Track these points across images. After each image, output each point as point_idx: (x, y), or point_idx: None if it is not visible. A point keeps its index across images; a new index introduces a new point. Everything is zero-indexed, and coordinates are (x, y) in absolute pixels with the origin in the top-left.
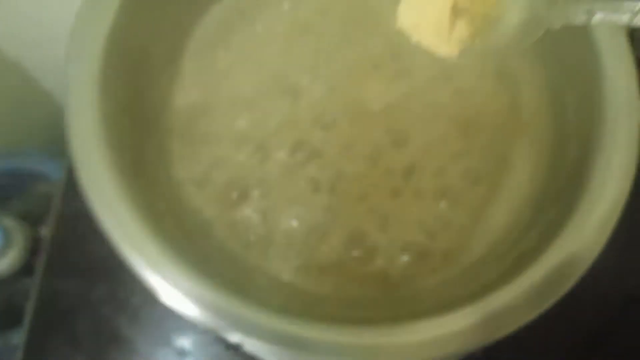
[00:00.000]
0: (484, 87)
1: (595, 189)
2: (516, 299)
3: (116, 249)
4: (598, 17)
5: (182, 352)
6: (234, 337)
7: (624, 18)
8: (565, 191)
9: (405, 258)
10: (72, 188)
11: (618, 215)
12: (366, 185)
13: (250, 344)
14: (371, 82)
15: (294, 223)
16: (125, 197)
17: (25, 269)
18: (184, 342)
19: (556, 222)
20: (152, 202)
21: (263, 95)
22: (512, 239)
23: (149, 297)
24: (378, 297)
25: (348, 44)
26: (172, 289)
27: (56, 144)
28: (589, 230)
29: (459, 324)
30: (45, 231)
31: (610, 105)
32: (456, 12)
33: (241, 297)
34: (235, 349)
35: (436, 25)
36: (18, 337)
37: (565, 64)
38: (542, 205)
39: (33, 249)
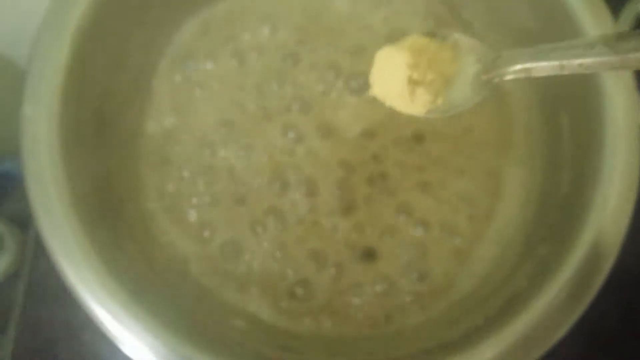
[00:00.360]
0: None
1: (589, 227)
2: (502, 353)
3: (80, 304)
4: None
5: None
6: None
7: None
8: (557, 226)
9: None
10: None
11: (614, 259)
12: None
13: None
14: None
15: (273, 261)
16: (88, 248)
17: (17, 273)
18: None
19: (547, 262)
20: (120, 245)
21: (242, 118)
22: (501, 276)
23: None
24: (357, 336)
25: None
26: (138, 345)
27: None
28: (582, 275)
29: None
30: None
31: (609, 128)
32: (413, 82)
33: (214, 352)
34: None
35: (400, 94)
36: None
37: (559, 82)
38: (533, 240)
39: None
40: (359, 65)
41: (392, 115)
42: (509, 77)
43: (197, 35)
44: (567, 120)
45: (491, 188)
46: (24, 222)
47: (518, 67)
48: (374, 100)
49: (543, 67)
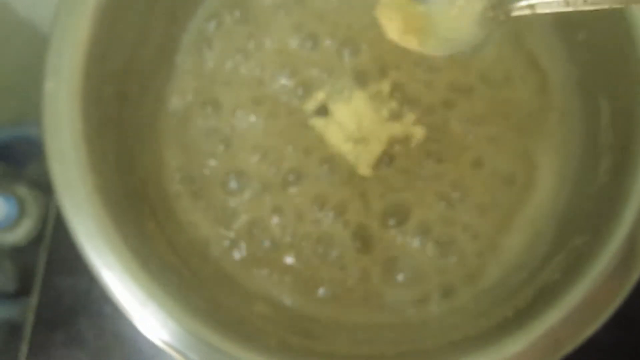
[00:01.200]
0: (511, 82)
1: (627, 218)
2: (532, 347)
3: (100, 283)
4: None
5: None
6: None
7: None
8: (593, 217)
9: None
10: None
11: None
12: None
13: None
14: None
15: (297, 245)
16: (110, 229)
17: (40, 237)
18: None
19: (582, 253)
20: (141, 226)
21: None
22: (531, 266)
23: None
24: (383, 324)
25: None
26: (158, 328)
27: None
28: (619, 269)
29: None
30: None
31: None
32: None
33: (235, 337)
34: None
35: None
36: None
37: (600, 64)
38: (566, 230)
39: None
40: None
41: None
42: (515, 14)
43: (222, 8)
44: (607, 105)
45: (523, 174)
46: (46, 187)
47: (523, 2)
48: None
49: (547, 2)
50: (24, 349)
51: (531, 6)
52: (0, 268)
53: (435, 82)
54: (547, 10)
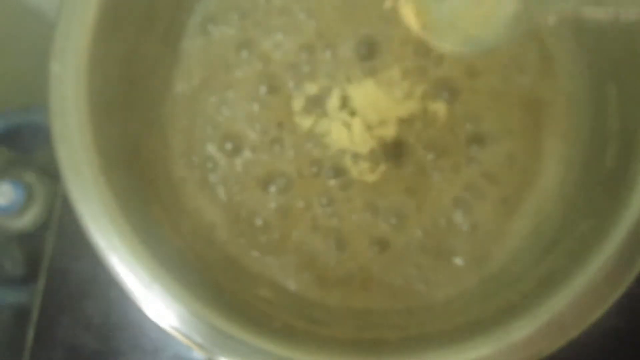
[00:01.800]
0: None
1: (634, 204)
2: (538, 332)
3: (106, 266)
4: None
5: None
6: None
7: (609, 11)
8: (599, 202)
9: (423, 261)
10: None
11: None
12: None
13: None
14: None
15: (304, 230)
16: (116, 212)
17: (48, 224)
18: None
19: (588, 238)
20: (147, 210)
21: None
22: (538, 251)
23: None
24: (388, 308)
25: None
26: (163, 311)
27: None
28: (626, 254)
29: (472, 355)
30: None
31: None
32: None
33: (240, 320)
34: None
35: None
36: None
37: (609, 49)
38: (573, 215)
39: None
40: None
41: None
42: (553, 18)
43: None
44: (615, 90)
45: (529, 159)
46: (54, 173)
47: (568, 6)
48: None
49: (595, 11)
50: (30, 332)
51: (577, 12)
52: (8, 254)
53: (441, 65)
54: (593, 17)
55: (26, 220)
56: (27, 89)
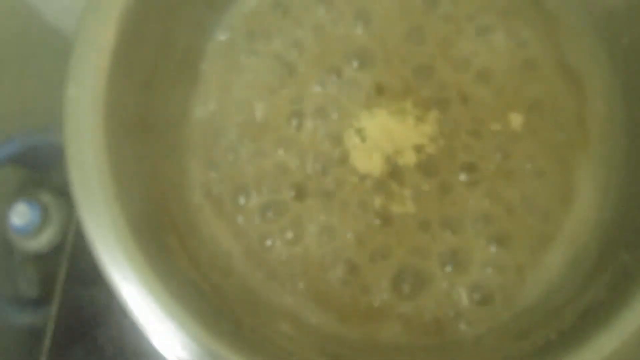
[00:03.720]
0: (549, 91)
1: None
2: None
3: (118, 297)
4: None
5: None
6: None
7: None
8: None
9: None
10: None
11: None
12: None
13: None
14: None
15: (326, 262)
16: (129, 242)
17: (63, 245)
18: None
19: (630, 270)
20: (162, 239)
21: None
22: (575, 284)
23: None
24: (416, 346)
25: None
26: (177, 348)
27: None
28: None
29: None
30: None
31: None
32: None
33: (259, 358)
34: None
35: None
36: None
37: None
38: (613, 245)
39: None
40: None
41: None
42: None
43: (248, 16)
44: None
45: (563, 187)
46: (71, 194)
47: None
48: None
49: None
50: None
51: None
52: (23, 274)
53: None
54: None
55: (42, 241)
56: (46, 109)
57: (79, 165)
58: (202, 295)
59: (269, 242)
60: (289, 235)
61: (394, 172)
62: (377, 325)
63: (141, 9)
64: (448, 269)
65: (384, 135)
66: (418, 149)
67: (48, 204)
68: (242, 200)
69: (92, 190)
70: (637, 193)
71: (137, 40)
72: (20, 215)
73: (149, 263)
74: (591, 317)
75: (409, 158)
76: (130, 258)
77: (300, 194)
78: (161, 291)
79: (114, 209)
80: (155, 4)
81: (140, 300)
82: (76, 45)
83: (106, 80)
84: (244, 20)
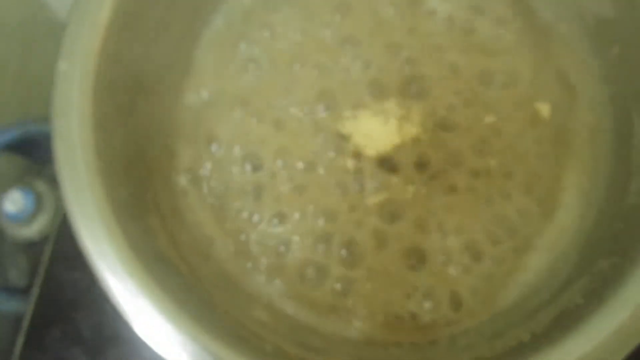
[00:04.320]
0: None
1: None
2: None
3: (95, 275)
4: None
5: None
6: None
7: None
8: (622, 239)
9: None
10: None
11: None
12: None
13: None
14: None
15: (307, 251)
16: (109, 217)
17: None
18: None
19: (607, 277)
20: (144, 219)
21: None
22: (552, 288)
23: None
24: (389, 342)
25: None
26: (152, 328)
27: None
28: None
29: None
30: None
31: None
32: None
33: (230, 340)
34: None
35: None
36: None
37: (635, 79)
38: (592, 252)
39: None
40: None
41: None
42: None
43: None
44: None
45: (547, 193)
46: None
47: None
48: None
49: None
50: (20, 340)
51: None
52: (14, 262)
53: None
54: None
55: (34, 229)
56: (45, 100)
57: (64, 139)
58: (179, 275)
59: (252, 235)
60: (274, 225)
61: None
62: (354, 319)
63: None
64: (430, 268)
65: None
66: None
67: (42, 193)
68: (229, 189)
69: (75, 162)
70: (618, 202)
71: (131, 21)
72: (14, 202)
73: (128, 240)
74: (565, 321)
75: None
76: (109, 233)
77: (297, 188)
78: (137, 267)
79: (96, 182)
80: None
81: (116, 277)
82: (70, 21)
83: (97, 58)
84: (241, 9)
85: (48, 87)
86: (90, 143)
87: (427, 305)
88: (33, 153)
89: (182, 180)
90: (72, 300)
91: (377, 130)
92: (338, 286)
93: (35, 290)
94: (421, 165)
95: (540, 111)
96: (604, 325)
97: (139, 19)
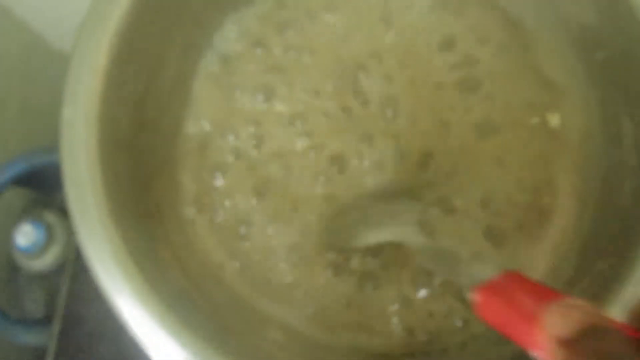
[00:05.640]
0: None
1: None
2: None
3: (113, 309)
4: None
5: None
6: None
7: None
8: (618, 240)
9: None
10: None
11: None
12: None
13: None
14: None
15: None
16: (123, 255)
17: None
18: None
19: (607, 277)
20: (155, 251)
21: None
22: None
23: None
24: (400, 353)
25: None
26: (170, 356)
27: None
28: None
29: None
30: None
31: None
32: None
33: None
34: None
35: None
36: None
37: (621, 83)
38: (590, 253)
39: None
40: None
41: None
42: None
43: (238, 35)
44: (630, 125)
45: (544, 197)
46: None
47: None
48: None
49: None
50: None
51: None
52: (29, 294)
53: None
54: None
55: (47, 261)
56: (50, 130)
57: (74, 183)
58: (193, 304)
59: (260, 255)
60: (280, 250)
61: None
62: (364, 334)
63: (133, 32)
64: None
65: None
66: None
67: (52, 224)
68: (234, 213)
69: (87, 206)
70: (613, 203)
71: (129, 62)
72: (26, 235)
73: (142, 273)
74: None
75: None
76: (124, 270)
77: (295, 206)
78: (153, 300)
79: (108, 223)
80: (146, 27)
81: (133, 311)
82: (71, 65)
83: (99, 101)
84: (234, 41)
85: (51, 116)
86: (99, 184)
87: (433, 315)
88: (39, 184)
89: (190, 211)
90: (92, 332)
91: None
92: (343, 302)
93: (56, 326)
94: None
95: (550, 121)
96: None
97: (136, 59)
